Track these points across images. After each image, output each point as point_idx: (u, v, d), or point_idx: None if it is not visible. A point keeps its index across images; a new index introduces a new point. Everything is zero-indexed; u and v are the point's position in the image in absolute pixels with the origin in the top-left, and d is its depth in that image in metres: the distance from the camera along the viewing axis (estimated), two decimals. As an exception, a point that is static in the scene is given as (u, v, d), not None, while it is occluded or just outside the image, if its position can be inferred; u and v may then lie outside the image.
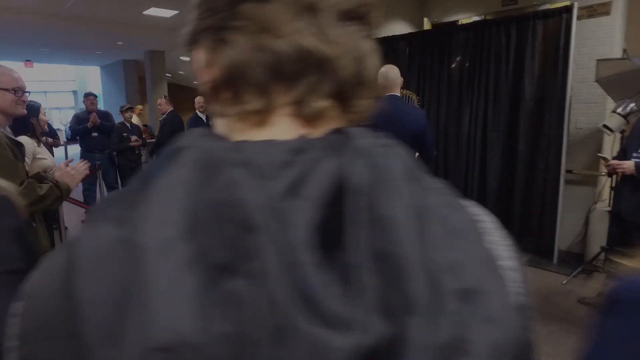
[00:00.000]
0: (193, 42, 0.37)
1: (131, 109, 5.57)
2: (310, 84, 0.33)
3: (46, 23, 8.15)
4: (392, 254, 0.26)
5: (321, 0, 0.32)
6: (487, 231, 0.35)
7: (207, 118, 5.72)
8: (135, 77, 14.51)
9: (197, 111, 5.68)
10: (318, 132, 0.33)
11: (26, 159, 2.01)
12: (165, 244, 0.25)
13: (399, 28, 5.65)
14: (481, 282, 0.28)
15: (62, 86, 20.62)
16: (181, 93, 20.70)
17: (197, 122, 5.59)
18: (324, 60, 0.32)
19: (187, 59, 13.71)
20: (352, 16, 0.34)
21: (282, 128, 0.33)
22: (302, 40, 0.32)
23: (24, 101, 1.78)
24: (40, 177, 1.77)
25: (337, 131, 0.32)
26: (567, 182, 3.65)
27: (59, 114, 20.46)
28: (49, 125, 5.51)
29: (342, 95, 0.34)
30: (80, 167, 1.91)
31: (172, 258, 0.25)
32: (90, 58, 14.01)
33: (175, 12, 8.08)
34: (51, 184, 1.70)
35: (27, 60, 13.56)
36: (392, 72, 2.71)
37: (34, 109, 2.56)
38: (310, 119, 0.34)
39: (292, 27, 0.32)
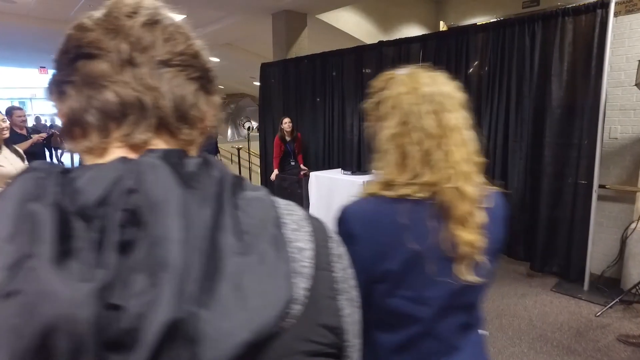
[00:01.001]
0: (49, 93, 0.46)
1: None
2: (133, 122, 0.42)
3: (54, 29, 8.06)
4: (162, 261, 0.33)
5: (139, 55, 0.43)
6: (293, 223, 0.44)
7: None
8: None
9: None
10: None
11: None
12: None
13: (414, 32, 5.32)
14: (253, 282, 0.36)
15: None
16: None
17: None
18: (143, 104, 0.42)
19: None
20: (172, 64, 0.45)
21: (114, 156, 0.40)
22: (123, 90, 0.42)
23: None
24: None
25: (149, 151, 0.40)
26: (600, 198, 3.25)
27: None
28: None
29: (167, 127, 0.44)
30: None
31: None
32: (102, 64, 14.03)
33: (182, 16, 7.93)
34: None
35: (41, 67, 13.69)
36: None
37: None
38: (136, 148, 0.43)
39: (118, 79, 0.42)
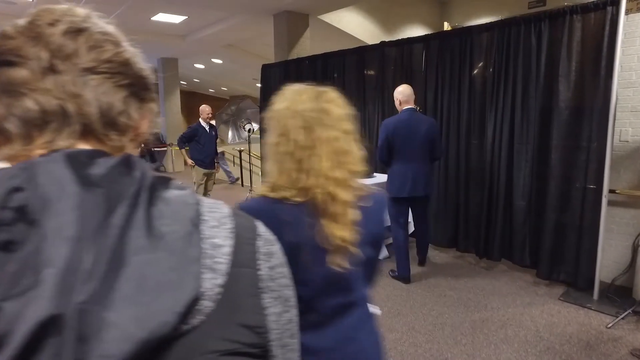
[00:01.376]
0: None
1: None
2: (55, 129, 0.42)
3: None
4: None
5: (60, 63, 0.42)
6: (213, 220, 0.44)
7: (209, 127, 5.40)
8: (149, 85, 14.45)
9: (200, 119, 5.36)
10: None
11: None
12: None
13: (417, 32, 5.21)
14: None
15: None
16: (197, 100, 20.76)
17: (197, 129, 5.28)
18: (65, 111, 0.42)
19: (201, 66, 13.60)
20: (98, 71, 0.45)
21: None
22: (43, 98, 0.41)
23: None
24: None
25: (52, 151, 0.41)
26: (610, 203, 3.12)
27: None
28: None
29: (94, 134, 0.44)
30: None
31: None
32: (106, 66, 14.02)
33: (184, 17, 7.86)
34: None
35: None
36: (406, 90, 3.42)
37: None
38: None
39: (38, 86, 0.41)
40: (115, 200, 0.37)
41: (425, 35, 4.34)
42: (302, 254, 0.90)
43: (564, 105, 3.22)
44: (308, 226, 0.91)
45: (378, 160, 3.63)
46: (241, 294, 0.43)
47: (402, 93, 3.39)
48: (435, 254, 4.35)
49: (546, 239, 3.47)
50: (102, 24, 0.49)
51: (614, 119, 2.97)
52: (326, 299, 0.98)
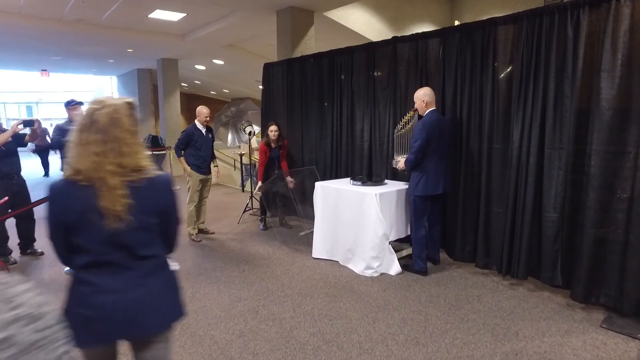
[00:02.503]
0: None
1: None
2: None
3: (49, 28, 7.70)
4: None
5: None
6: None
7: (206, 130, 5.00)
8: (149, 86, 14.11)
9: (196, 121, 4.96)
10: None
11: None
12: None
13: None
14: None
15: (81, 97, 20.64)
16: (199, 103, 20.44)
17: (193, 133, 4.88)
18: None
19: (202, 67, 13.25)
20: None
21: None
22: None
23: None
24: None
25: None
26: (660, 217, 2.72)
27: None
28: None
29: None
30: None
31: None
32: (104, 67, 13.70)
33: (182, 14, 7.51)
34: None
35: (43, 70, 13.40)
36: (430, 92, 3.61)
37: None
38: None
39: None
40: None
41: (443, 29, 3.95)
42: (88, 217, 1.33)
43: (607, 105, 2.82)
44: (92, 198, 1.32)
45: (415, 161, 3.60)
46: None
47: (428, 95, 3.58)
48: (452, 269, 3.95)
49: (583, 256, 3.06)
50: None
51: (669, 121, 2.57)
52: (114, 250, 1.38)
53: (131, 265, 1.40)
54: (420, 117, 3.72)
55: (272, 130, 5.15)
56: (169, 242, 1.54)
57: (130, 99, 1.45)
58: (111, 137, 1.35)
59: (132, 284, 1.39)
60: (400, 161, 3.90)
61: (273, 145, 5.21)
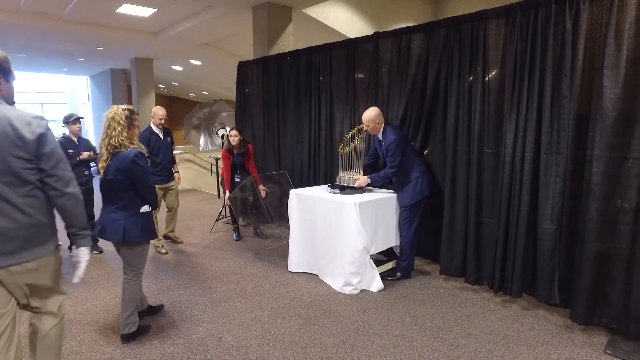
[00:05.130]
0: None
1: (78, 120, 4.39)
2: None
3: (5, 21, 7.13)
4: None
5: None
6: None
7: (164, 133, 4.49)
8: (123, 87, 13.52)
9: (151, 124, 4.45)
10: None
11: None
12: None
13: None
14: None
15: (56, 98, 19.78)
16: (179, 105, 19.83)
17: (148, 138, 4.32)
18: None
19: (179, 68, 12.74)
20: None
21: None
22: None
23: None
24: None
25: None
26: (669, 230, 2.43)
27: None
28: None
29: None
30: None
31: None
32: (76, 67, 13.06)
33: (153, 10, 7.07)
34: None
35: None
36: (379, 112, 3.65)
37: None
38: None
39: None
40: None
41: (429, 23, 3.64)
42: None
43: (611, 106, 2.53)
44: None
45: (395, 173, 3.60)
46: None
47: (379, 115, 3.62)
48: (440, 284, 3.62)
49: (583, 272, 2.76)
50: None
51: (682, 123, 2.29)
52: (107, 191, 2.54)
53: (113, 201, 2.56)
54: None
55: (232, 135, 4.73)
56: (141, 192, 2.58)
57: (129, 106, 2.62)
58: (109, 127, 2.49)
59: (105, 215, 2.59)
60: (358, 178, 3.74)
61: (235, 151, 4.80)
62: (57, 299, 1.89)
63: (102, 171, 2.48)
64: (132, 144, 2.51)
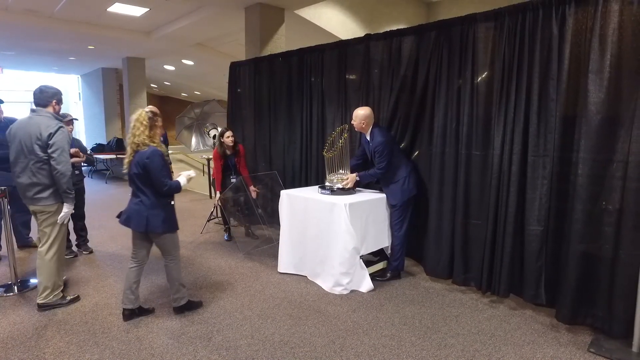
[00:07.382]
0: None
1: (72, 121, 4.40)
2: None
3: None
4: None
5: None
6: None
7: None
8: (115, 86, 13.41)
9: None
10: None
11: None
12: None
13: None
14: None
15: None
16: (172, 105, 19.72)
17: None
18: None
19: (171, 67, 12.68)
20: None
21: None
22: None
23: None
24: None
25: None
26: (652, 231, 2.49)
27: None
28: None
29: None
30: None
31: None
32: (66, 65, 12.94)
33: (145, 9, 7.04)
34: None
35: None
36: (372, 113, 3.71)
37: None
38: None
39: None
40: None
41: (420, 26, 3.67)
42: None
43: (595, 109, 2.58)
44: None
45: (384, 174, 3.66)
46: None
47: (369, 117, 3.67)
48: (429, 285, 3.65)
49: (569, 273, 2.81)
50: None
51: (663, 127, 2.35)
52: (132, 184, 2.87)
53: (138, 192, 2.83)
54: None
55: (229, 136, 4.76)
56: (155, 187, 2.80)
57: (153, 108, 2.98)
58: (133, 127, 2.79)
59: (132, 205, 2.87)
60: (347, 177, 3.75)
61: (229, 152, 4.81)
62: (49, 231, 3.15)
63: (127, 166, 2.83)
64: (153, 142, 2.80)
